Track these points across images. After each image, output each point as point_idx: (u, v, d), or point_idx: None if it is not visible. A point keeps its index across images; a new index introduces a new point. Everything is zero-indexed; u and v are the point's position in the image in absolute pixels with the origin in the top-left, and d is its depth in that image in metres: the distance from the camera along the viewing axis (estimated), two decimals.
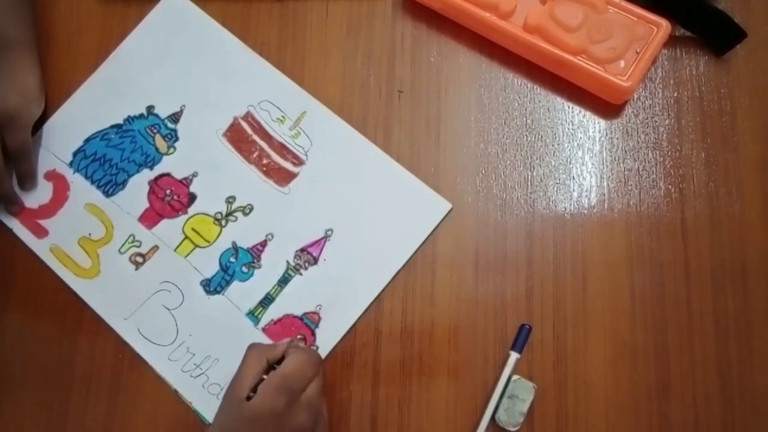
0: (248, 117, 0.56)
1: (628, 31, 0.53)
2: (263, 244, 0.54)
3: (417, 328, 0.52)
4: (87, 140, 0.56)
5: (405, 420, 0.50)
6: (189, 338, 0.52)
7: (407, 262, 0.52)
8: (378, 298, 0.52)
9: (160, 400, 0.51)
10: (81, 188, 0.55)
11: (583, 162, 0.54)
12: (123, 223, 0.54)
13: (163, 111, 0.57)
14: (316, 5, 0.58)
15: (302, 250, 0.53)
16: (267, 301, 0.53)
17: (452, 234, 0.53)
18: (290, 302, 0.52)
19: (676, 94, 0.55)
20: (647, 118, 0.55)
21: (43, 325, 0.53)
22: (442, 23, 0.57)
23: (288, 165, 0.55)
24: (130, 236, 0.54)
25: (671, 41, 0.54)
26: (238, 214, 0.54)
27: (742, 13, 0.55)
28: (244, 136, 0.56)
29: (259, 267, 0.53)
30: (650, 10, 0.53)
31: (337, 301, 0.52)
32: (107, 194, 0.55)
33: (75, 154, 0.56)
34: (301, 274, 0.53)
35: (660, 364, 0.50)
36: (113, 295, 0.53)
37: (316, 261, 0.53)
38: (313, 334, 0.52)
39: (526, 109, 0.56)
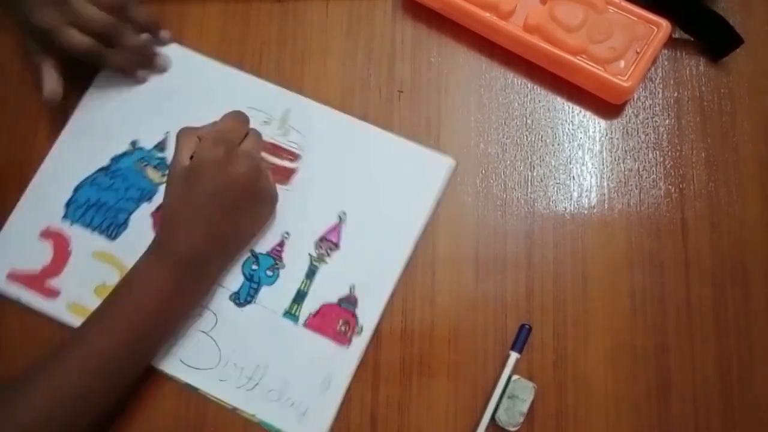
0: None
1: (628, 31, 0.53)
2: (281, 244, 0.53)
3: (417, 328, 0.52)
4: (76, 189, 0.55)
5: (405, 420, 0.50)
6: (233, 354, 0.51)
7: (425, 229, 0.53)
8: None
9: (160, 400, 0.51)
10: (83, 238, 0.54)
11: (583, 162, 0.54)
12: (135, 261, 0.52)
13: (148, 143, 0.56)
14: (316, 5, 0.58)
15: (321, 239, 0.53)
16: (300, 297, 0.52)
17: (452, 234, 0.53)
18: (324, 292, 0.52)
19: (676, 94, 0.55)
20: (647, 118, 0.55)
21: None
22: (442, 23, 0.57)
23: (285, 163, 0.55)
24: None
25: (671, 41, 0.54)
26: None
27: (741, 14, 0.56)
28: None
29: (283, 267, 0.53)
30: (650, 10, 0.53)
31: (369, 277, 0.52)
32: (111, 237, 0.54)
33: (67, 206, 0.54)
34: (326, 263, 0.53)
35: (660, 364, 0.50)
36: None
37: (337, 246, 0.53)
38: (354, 315, 0.51)
39: (526, 109, 0.56)
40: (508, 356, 0.50)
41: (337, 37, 0.58)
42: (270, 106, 0.56)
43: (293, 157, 0.55)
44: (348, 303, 0.52)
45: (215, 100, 0.55)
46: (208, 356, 0.51)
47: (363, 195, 0.54)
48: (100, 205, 0.55)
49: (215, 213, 0.47)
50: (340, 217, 0.53)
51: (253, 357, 0.51)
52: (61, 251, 0.54)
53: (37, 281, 0.53)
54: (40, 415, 0.43)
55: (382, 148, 0.55)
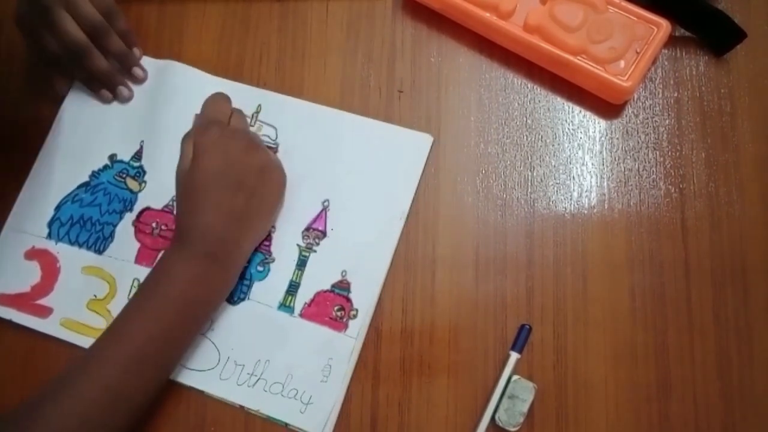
0: None
1: (628, 31, 0.53)
2: (268, 239, 0.53)
3: (417, 328, 0.52)
4: (58, 207, 0.55)
5: (405, 420, 0.50)
6: (232, 352, 0.51)
7: (411, 208, 0.53)
8: (378, 299, 0.52)
9: (161, 401, 0.51)
10: (70, 255, 0.54)
11: (583, 162, 0.54)
12: (123, 272, 0.53)
13: (126, 155, 0.56)
14: (316, 5, 0.58)
15: (308, 229, 0.53)
16: (293, 288, 0.52)
17: (452, 234, 0.53)
18: (316, 280, 0.52)
19: (676, 94, 0.55)
20: (647, 118, 0.55)
21: None
22: (442, 23, 0.57)
23: None
24: (134, 281, 0.52)
25: (671, 41, 0.54)
26: None
27: (742, 12, 0.55)
28: None
29: (273, 261, 0.53)
30: (650, 10, 0.53)
31: (360, 260, 0.52)
32: (99, 251, 0.54)
33: (50, 225, 0.54)
34: (315, 251, 0.53)
35: (660, 364, 0.50)
36: None
37: (324, 234, 0.53)
38: (349, 299, 0.51)
39: (526, 109, 0.56)
40: (508, 356, 0.50)
41: (337, 37, 0.58)
42: (240, 105, 0.56)
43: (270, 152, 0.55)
44: (341, 288, 0.52)
45: (185, 104, 0.56)
46: (208, 357, 0.51)
47: (344, 180, 0.54)
48: (84, 221, 0.55)
49: (224, 193, 0.48)
50: (324, 205, 0.54)
51: (252, 353, 0.51)
52: (50, 269, 0.54)
53: (27, 301, 0.53)
54: (80, 415, 0.43)
55: (358, 132, 0.55)
